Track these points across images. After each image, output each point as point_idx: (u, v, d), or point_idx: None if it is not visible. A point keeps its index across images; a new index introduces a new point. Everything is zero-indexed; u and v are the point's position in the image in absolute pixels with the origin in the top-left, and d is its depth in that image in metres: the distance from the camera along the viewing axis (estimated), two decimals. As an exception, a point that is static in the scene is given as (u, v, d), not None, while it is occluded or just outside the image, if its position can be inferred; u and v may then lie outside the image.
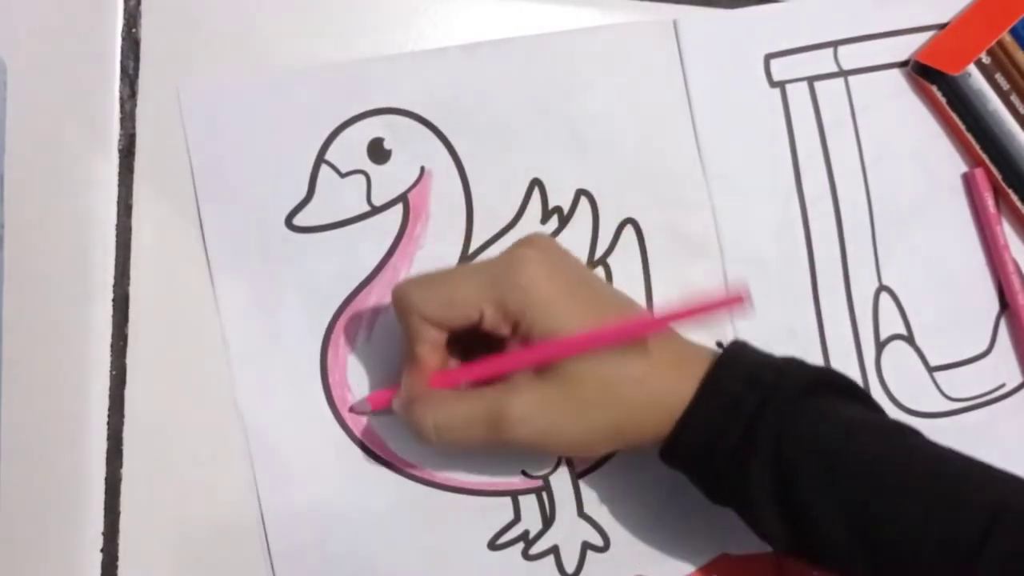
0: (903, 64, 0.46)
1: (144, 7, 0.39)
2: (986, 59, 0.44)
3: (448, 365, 0.37)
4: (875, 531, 0.33)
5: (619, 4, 0.44)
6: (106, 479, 0.38)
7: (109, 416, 0.38)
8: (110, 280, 0.38)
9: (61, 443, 0.38)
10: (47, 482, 0.38)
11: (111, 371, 0.38)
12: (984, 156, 0.45)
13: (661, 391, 0.35)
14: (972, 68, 0.44)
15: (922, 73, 0.45)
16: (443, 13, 0.42)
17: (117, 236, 0.39)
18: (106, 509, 0.38)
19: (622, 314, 0.36)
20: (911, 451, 0.34)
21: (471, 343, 0.36)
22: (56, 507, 0.38)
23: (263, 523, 0.39)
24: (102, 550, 0.38)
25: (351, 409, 0.40)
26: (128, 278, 0.39)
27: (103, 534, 0.38)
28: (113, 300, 0.38)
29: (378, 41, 0.41)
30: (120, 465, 0.38)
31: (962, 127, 0.45)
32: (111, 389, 0.38)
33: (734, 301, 0.35)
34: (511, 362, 0.35)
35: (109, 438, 0.38)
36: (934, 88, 0.45)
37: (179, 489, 0.38)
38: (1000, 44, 0.44)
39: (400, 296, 0.35)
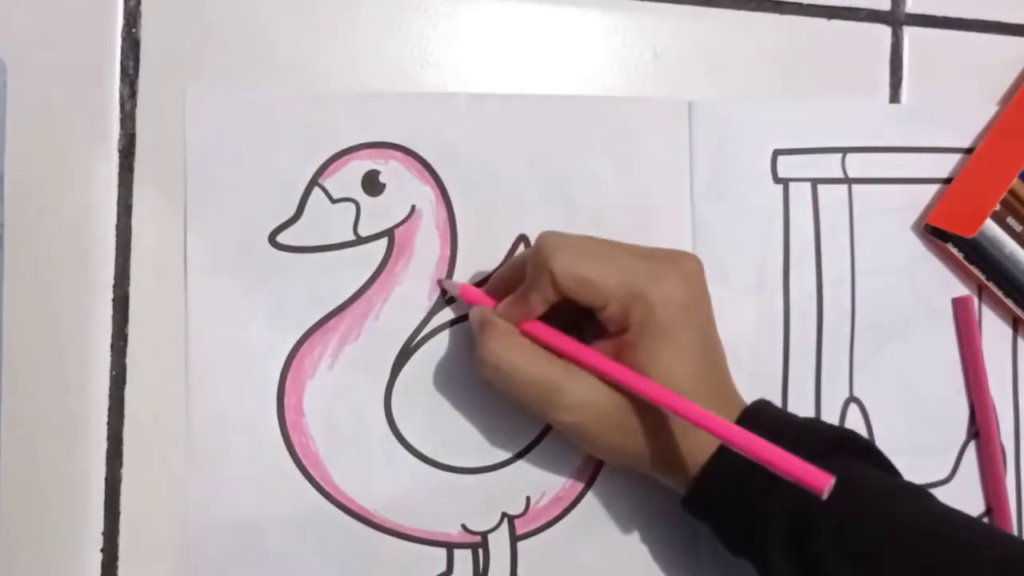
0: (908, 181, 0.46)
1: (144, 7, 0.39)
2: (997, 206, 0.45)
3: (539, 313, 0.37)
4: None
5: (619, 5, 0.44)
6: (106, 479, 0.38)
7: (109, 416, 0.38)
8: (110, 280, 0.38)
9: (61, 443, 0.38)
10: (47, 482, 0.37)
11: (111, 371, 0.38)
12: (1008, 301, 0.46)
13: (698, 434, 0.35)
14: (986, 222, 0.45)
15: (935, 233, 0.45)
16: (450, 25, 0.42)
17: (117, 236, 0.39)
18: (106, 509, 0.38)
19: (724, 401, 0.37)
20: (922, 509, 0.35)
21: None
22: (56, 507, 0.38)
23: (187, 528, 0.38)
24: (102, 550, 0.38)
25: (439, 282, 0.40)
26: (128, 278, 0.39)
27: (103, 534, 0.38)
28: (113, 300, 0.38)
29: (379, 50, 0.41)
30: (120, 465, 0.38)
31: (982, 277, 0.45)
32: (111, 389, 0.38)
33: (815, 483, 0.31)
34: (599, 363, 0.35)
35: (109, 438, 0.38)
36: (949, 245, 0.45)
37: (179, 489, 0.38)
38: (1010, 190, 0.45)
39: (547, 247, 0.36)
